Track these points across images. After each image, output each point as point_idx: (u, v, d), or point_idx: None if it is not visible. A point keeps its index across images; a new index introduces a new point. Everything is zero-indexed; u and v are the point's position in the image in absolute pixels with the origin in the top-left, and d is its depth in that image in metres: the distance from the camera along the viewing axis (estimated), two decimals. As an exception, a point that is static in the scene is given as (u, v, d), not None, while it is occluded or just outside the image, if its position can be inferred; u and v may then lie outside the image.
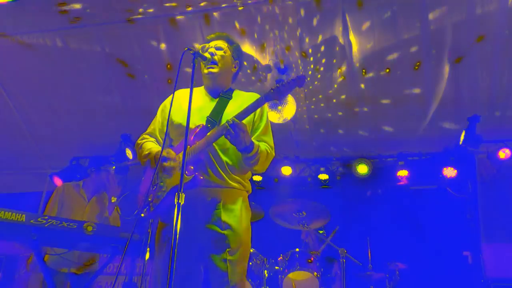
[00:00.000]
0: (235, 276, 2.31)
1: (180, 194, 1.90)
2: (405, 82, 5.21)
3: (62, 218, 3.22)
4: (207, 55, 2.53)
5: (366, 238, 4.69)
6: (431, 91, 5.21)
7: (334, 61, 5.18)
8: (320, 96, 5.59)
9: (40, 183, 6.65)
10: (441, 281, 5.36)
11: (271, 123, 2.68)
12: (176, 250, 1.80)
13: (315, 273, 4.19)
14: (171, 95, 2.64)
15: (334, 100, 5.59)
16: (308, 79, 5.36)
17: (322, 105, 5.66)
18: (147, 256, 3.37)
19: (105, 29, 5.15)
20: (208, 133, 2.36)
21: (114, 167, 5.75)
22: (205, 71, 2.58)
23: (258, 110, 2.55)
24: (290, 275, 4.22)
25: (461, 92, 5.16)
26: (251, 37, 5.05)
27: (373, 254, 4.58)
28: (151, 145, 2.56)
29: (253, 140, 2.41)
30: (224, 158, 2.44)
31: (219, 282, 2.30)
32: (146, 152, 2.50)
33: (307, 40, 5.03)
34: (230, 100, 2.58)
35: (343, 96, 5.53)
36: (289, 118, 5.34)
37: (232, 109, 2.49)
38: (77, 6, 4.80)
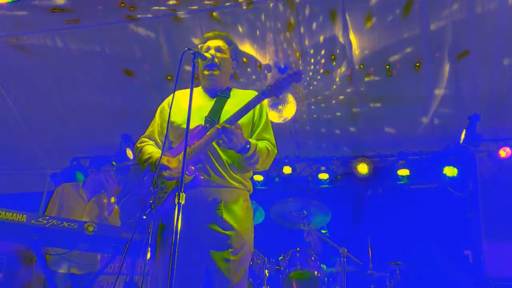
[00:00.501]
0: (237, 276, 2.30)
1: (181, 194, 1.89)
2: (405, 81, 5.21)
3: (63, 218, 3.22)
4: (207, 55, 2.52)
5: (367, 237, 4.69)
6: (431, 90, 5.21)
7: (334, 61, 5.18)
8: (320, 97, 5.59)
9: (41, 183, 6.65)
10: (442, 280, 5.36)
11: (272, 122, 2.67)
12: (177, 250, 1.80)
13: (316, 273, 4.19)
14: (169, 96, 2.65)
15: (334, 101, 5.59)
16: (308, 78, 5.36)
17: (322, 105, 5.67)
18: (148, 256, 3.37)
19: (105, 29, 5.15)
20: (207, 133, 2.36)
21: (114, 167, 5.77)
22: (206, 73, 2.57)
23: (257, 110, 2.55)
24: (291, 274, 4.22)
25: (461, 91, 5.16)
26: (251, 36, 5.05)
27: (374, 253, 4.58)
28: (151, 149, 2.54)
29: (251, 140, 2.40)
30: (224, 157, 2.43)
31: (220, 282, 2.29)
32: (146, 157, 2.49)
33: (307, 40, 5.03)
34: (228, 99, 2.58)
35: (343, 96, 5.53)
36: (289, 118, 5.34)
37: (230, 108, 2.49)
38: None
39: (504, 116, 5.27)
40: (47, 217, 3.09)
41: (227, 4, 4.76)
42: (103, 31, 5.18)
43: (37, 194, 6.64)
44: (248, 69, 5.36)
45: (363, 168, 5.92)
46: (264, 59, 5.25)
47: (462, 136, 5.24)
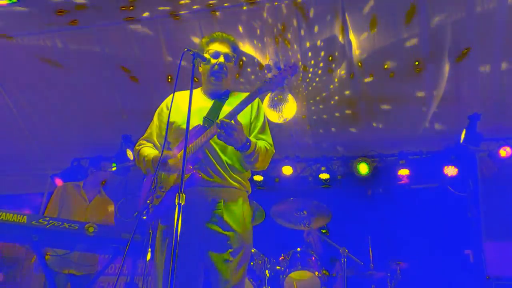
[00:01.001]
0: (236, 276, 2.30)
1: (181, 195, 1.89)
2: (406, 81, 5.21)
3: (64, 219, 3.22)
4: (212, 60, 2.52)
5: (367, 237, 4.69)
6: (432, 89, 5.21)
7: (334, 61, 5.18)
8: (318, 98, 5.59)
9: (41, 184, 6.65)
10: (443, 280, 5.36)
11: (272, 123, 2.67)
12: (177, 250, 1.79)
13: (317, 273, 4.19)
14: (167, 98, 2.66)
15: (334, 101, 5.59)
16: (308, 80, 5.36)
17: (319, 107, 5.67)
18: (149, 256, 3.37)
19: (105, 30, 5.15)
20: (205, 132, 2.36)
21: (114, 168, 5.77)
22: (212, 78, 2.57)
23: (254, 110, 2.56)
24: (292, 274, 4.22)
25: (461, 90, 5.16)
26: (251, 36, 5.05)
27: (375, 253, 4.58)
28: (148, 151, 2.54)
29: (250, 138, 2.41)
30: (224, 158, 2.44)
31: (219, 282, 2.29)
32: (145, 159, 2.49)
33: (307, 40, 5.03)
34: (227, 100, 2.59)
35: (343, 96, 5.53)
36: (289, 118, 5.34)
37: (228, 109, 2.48)
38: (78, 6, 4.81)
39: (504, 116, 5.27)
40: (48, 218, 3.10)
41: (226, 4, 4.76)
42: (103, 32, 5.19)
43: (38, 195, 6.64)
44: (248, 69, 5.36)
45: (363, 168, 5.92)
46: (264, 59, 5.25)
47: (462, 136, 5.24)
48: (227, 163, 2.44)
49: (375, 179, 5.99)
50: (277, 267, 4.33)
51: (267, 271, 4.29)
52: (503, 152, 5.36)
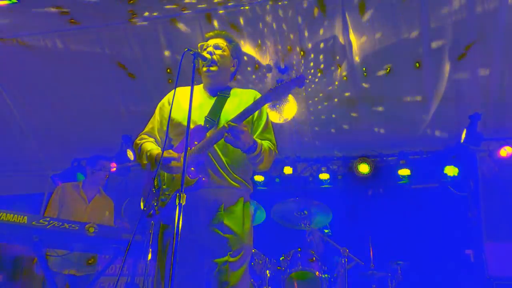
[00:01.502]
0: (236, 277, 2.30)
1: (182, 195, 1.88)
2: (406, 81, 5.20)
3: (64, 220, 3.22)
4: (207, 55, 2.51)
5: (368, 237, 4.69)
6: (432, 89, 5.21)
7: (334, 61, 5.18)
8: (317, 99, 5.59)
9: (42, 184, 6.64)
10: (443, 280, 5.35)
11: (272, 123, 2.66)
12: (178, 251, 1.79)
13: (317, 273, 4.19)
14: (169, 93, 2.63)
15: (334, 101, 5.59)
16: (308, 80, 5.35)
17: (319, 107, 5.67)
18: (149, 257, 3.37)
19: (105, 30, 5.15)
20: (207, 134, 2.35)
21: (114, 168, 5.77)
22: (204, 69, 2.56)
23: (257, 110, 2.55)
24: (292, 275, 4.21)
25: (461, 90, 5.15)
26: (252, 36, 5.04)
27: (375, 253, 4.57)
28: (150, 146, 2.52)
29: (255, 139, 2.40)
30: (224, 158, 2.42)
31: (219, 283, 2.29)
32: (147, 154, 2.47)
33: (307, 40, 5.02)
34: (228, 98, 2.57)
35: (343, 96, 5.52)
36: (289, 118, 5.34)
37: (230, 107, 2.49)
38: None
39: (504, 116, 5.27)
40: (48, 219, 3.09)
41: (227, 4, 4.75)
42: (103, 32, 5.18)
43: (38, 195, 6.63)
44: (248, 69, 5.36)
45: (364, 168, 5.92)
46: (264, 59, 5.25)
47: (463, 136, 5.23)
48: (227, 163, 2.43)
49: (376, 179, 5.98)
50: (278, 267, 4.33)
51: (267, 271, 4.28)
52: (504, 152, 5.36)
